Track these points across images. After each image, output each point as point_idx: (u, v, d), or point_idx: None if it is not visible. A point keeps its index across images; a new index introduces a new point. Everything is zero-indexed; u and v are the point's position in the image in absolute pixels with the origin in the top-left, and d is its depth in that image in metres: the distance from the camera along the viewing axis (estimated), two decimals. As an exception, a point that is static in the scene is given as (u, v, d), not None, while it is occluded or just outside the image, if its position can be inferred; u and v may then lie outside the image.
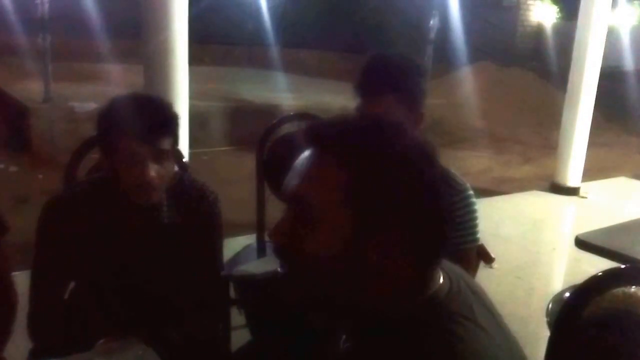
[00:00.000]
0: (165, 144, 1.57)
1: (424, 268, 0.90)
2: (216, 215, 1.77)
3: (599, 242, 2.45)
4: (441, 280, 0.92)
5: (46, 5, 6.72)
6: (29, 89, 6.85)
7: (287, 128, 2.77)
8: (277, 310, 1.55)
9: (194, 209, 1.72)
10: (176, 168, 1.95)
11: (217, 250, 1.81)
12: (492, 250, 1.98)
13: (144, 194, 1.59)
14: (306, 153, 0.90)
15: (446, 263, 0.96)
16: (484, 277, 1.74)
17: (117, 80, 6.47)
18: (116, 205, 1.63)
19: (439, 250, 0.90)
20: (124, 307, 1.65)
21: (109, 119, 1.56)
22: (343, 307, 0.91)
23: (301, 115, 3.04)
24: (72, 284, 1.78)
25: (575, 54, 5.49)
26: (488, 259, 1.91)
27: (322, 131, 0.91)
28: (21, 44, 7.42)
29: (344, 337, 0.99)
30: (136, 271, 1.66)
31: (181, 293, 1.68)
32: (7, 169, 5.58)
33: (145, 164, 1.54)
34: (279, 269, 0.93)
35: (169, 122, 1.59)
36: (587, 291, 1.24)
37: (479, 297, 0.95)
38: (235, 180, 5.08)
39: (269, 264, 1.69)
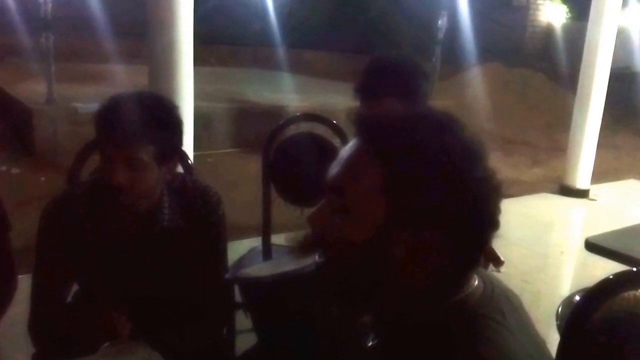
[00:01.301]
0: (142, 153, 1.52)
1: (459, 270, 0.89)
2: (219, 217, 1.76)
3: (609, 244, 2.45)
4: (475, 283, 0.92)
5: (49, 5, 6.73)
6: (32, 90, 6.87)
7: (293, 129, 2.78)
8: (284, 313, 1.56)
9: (197, 211, 1.72)
10: (180, 170, 1.95)
11: (221, 252, 1.80)
12: (501, 253, 1.98)
13: (126, 199, 1.57)
14: (350, 143, 0.91)
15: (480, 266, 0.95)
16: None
17: (121, 81, 6.49)
18: (116, 207, 1.62)
19: (477, 254, 0.90)
20: (128, 310, 1.65)
21: (97, 119, 1.55)
22: (372, 302, 0.91)
23: (307, 116, 3.05)
24: (75, 287, 1.79)
25: (585, 55, 5.48)
26: (497, 262, 1.92)
27: (365, 121, 0.92)
28: (24, 44, 7.45)
29: (370, 335, 0.99)
30: (139, 274, 1.66)
31: (185, 296, 1.68)
32: (9, 171, 5.60)
33: (115, 167, 1.52)
34: (309, 262, 0.94)
35: (153, 129, 1.54)
36: (597, 294, 1.24)
37: (513, 305, 0.94)
38: (240, 183, 5.08)
39: (274, 267, 1.69)
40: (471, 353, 0.83)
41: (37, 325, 1.69)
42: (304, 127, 2.81)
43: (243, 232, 3.40)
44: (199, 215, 1.72)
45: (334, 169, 0.90)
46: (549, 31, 11.71)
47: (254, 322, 1.70)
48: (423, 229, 0.84)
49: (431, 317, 0.88)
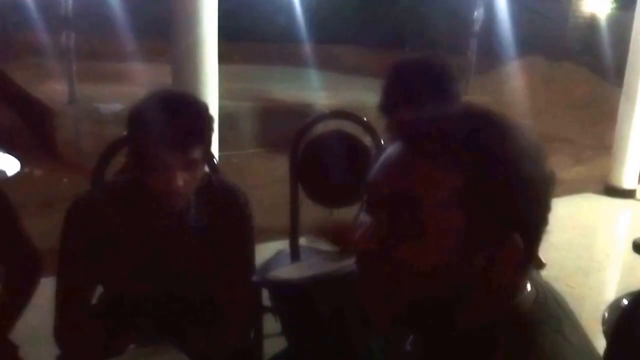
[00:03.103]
0: (196, 153, 1.56)
1: (515, 274, 0.88)
2: (247, 218, 1.78)
3: (657, 247, 2.42)
4: (528, 288, 0.91)
5: (70, 3, 6.86)
6: (53, 90, 7.00)
7: (321, 128, 2.80)
8: (316, 316, 1.57)
9: (224, 212, 1.74)
10: (206, 169, 1.99)
11: (249, 253, 1.83)
12: (542, 256, 1.97)
13: (169, 201, 1.61)
14: (399, 147, 0.87)
15: (532, 271, 0.93)
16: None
17: (144, 80, 6.57)
18: (143, 208, 1.66)
19: (533, 256, 0.88)
20: (154, 312, 1.69)
21: (139, 120, 1.56)
22: (425, 312, 0.89)
23: (336, 114, 3.06)
24: (100, 289, 1.83)
25: (632, 47, 5.41)
26: (539, 265, 1.91)
27: (429, 124, 0.88)
28: (44, 44, 7.58)
29: (409, 339, 1.00)
30: (166, 275, 1.69)
31: (212, 298, 1.71)
32: (32, 173, 5.71)
33: (173, 172, 1.54)
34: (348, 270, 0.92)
35: (203, 128, 1.57)
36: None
37: (565, 311, 0.93)
38: (266, 184, 5.12)
39: (304, 269, 1.71)
40: None
41: (62, 329, 1.72)
42: (333, 125, 2.83)
43: (269, 235, 3.42)
44: (226, 215, 1.74)
45: (390, 178, 0.87)
46: (592, 22, 11.56)
47: (283, 326, 1.72)
48: (504, 238, 0.83)
49: (483, 322, 0.87)
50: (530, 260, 0.89)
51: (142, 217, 1.67)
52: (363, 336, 1.49)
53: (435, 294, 0.86)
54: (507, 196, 0.82)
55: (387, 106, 1.75)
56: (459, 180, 0.82)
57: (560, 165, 6.95)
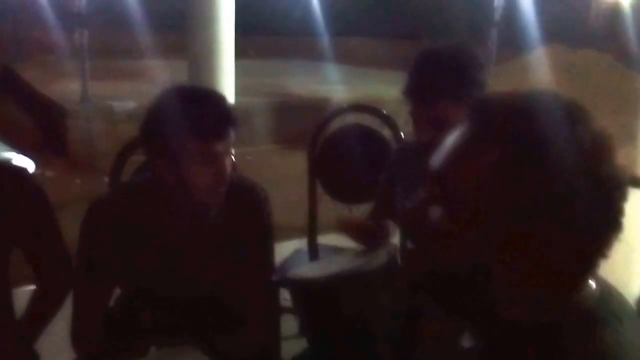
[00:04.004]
0: (233, 138, 1.61)
1: (576, 271, 0.88)
2: (267, 215, 1.79)
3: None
4: (591, 286, 0.91)
5: (83, 0, 6.89)
6: (66, 88, 7.04)
7: (339, 122, 2.79)
8: (340, 316, 1.57)
9: (244, 209, 1.75)
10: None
11: (268, 251, 1.83)
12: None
13: (217, 193, 1.63)
14: (463, 130, 0.89)
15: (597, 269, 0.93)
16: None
17: (158, 77, 6.60)
18: (162, 208, 1.66)
19: (597, 255, 0.88)
20: (174, 313, 1.69)
21: (166, 117, 1.56)
22: (479, 302, 0.91)
23: (355, 107, 3.05)
24: (118, 291, 1.83)
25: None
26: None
27: (483, 107, 0.91)
28: (56, 42, 7.63)
29: (464, 336, 0.99)
30: (185, 275, 1.69)
31: (233, 297, 1.71)
32: (44, 174, 5.75)
33: (222, 161, 1.58)
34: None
35: (234, 113, 1.61)
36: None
37: (626, 310, 0.93)
38: (282, 181, 5.12)
39: (325, 267, 1.71)
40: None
41: (81, 332, 1.73)
42: (352, 119, 2.82)
43: (286, 234, 3.43)
44: (246, 213, 1.75)
45: (441, 158, 0.89)
46: (616, 8, 11.41)
47: (304, 326, 1.72)
48: (545, 225, 0.82)
49: (544, 318, 0.88)
50: (592, 259, 0.87)
51: (162, 217, 1.67)
52: (387, 334, 1.49)
53: (491, 282, 0.87)
54: (551, 182, 0.81)
55: (413, 92, 1.77)
56: (503, 163, 0.82)
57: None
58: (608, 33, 11.06)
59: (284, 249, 2.77)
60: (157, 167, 1.62)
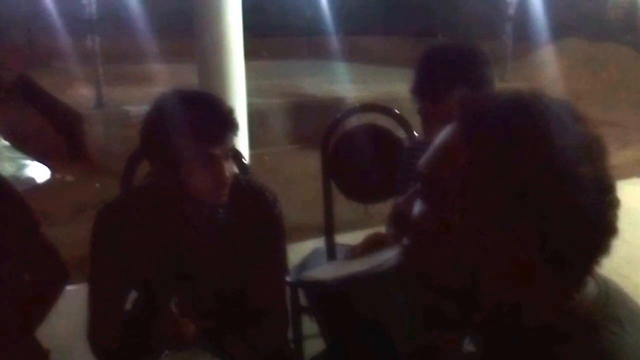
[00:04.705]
0: (232, 142, 1.63)
1: (567, 275, 0.87)
2: (276, 217, 1.81)
3: None
4: (589, 287, 0.90)
5: (94, 6, 6.94)
6: (80, 94, 7.10)
7: (354, 122, 2.80)
8: (354, 317, 1.57)
9: (252, 212, 1.77)
10: (235, 170, 2.01)
11: (280, 253, 1.85)
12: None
13: (217, 196, 1.65)
14: (450, 130, 0.90)
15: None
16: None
17: (172, 81, 6.63)
18: (172, 211, 1.69)
19: (589, 260, 0.87)
20: (188, 316, 1.71)
21: (164, 122, 1.58)
22: (472, 304, 0.90)
23: (368, 107, 3.05)
24: (134, 294, 1.86)
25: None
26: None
27: (467, 105, 0.90)
28: (70, 49, 7.70)
29: (465, 341, 0.99)
30: (196, 278, 1.72)
31: (245, 299, 1.73)
32: (64, 179, 5.81)
33: (221, 164, 1.59)
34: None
35: (232, 117, 1.63)
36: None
37: (630, 310, 0.92)
38: (300, 181, 5.14)
39: (341, 267, 1.71)
40: None
41: (97, 335, 1.76)
42: (367, 118, 2.83)
43: (305, 233, 3.44)
44: (254, 215, 1.77)
45: (445, 160, 0.89)
46: (634, 0, 11.31)
47: (321, 327, 1.72)
48: (521, 225, 0.82)
49: (539, 324, 0.87)
50: (584, 262, 0.87)
51: (171, 220, 1.70)
52: (404, 335, 1.49)
53: (487, 285, 0.87)
54: (531, 184, 0.81)
55: (420, 90, 1.80)
56: (505, 165, 0.81)
57: (605, 150, 6.83)
58: (627, 24, 10.95)
59: (305, 248, 2.79)
60: (158, 171, 1.65)
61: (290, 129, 7.10)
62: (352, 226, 3.17)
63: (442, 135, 0.90)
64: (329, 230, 2.69)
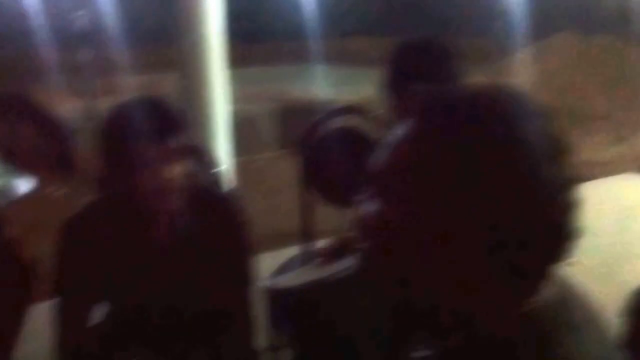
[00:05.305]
0: (175, 142, 1.60)
1: (519, 280, 0.83)
2: (240, 226, 1.80)
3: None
4: (545, 292, 0.86)
5: (85, 20, 6.97)
6: (73, 107, 7.11)
7: (335, 123, 2.77)
8: (319, 323, 1.56)
9: (214, 218, 1.76)
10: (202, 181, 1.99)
11: (245, 262, 1.82)
12: (581, 243, 1.90)
13: (167, 200, 1.63)
14: (404, 126, 0.86)
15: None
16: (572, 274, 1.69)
17: (162, 92, 6.63)
18: (132, 219, 1.69)
19: (544, 265, 0.84)
20: (157, 329, 1.70)
21: (112, 129, 1.62)
22: (425, 309, 0.89)
23: (346, 109, 3.03)
24: (105, 307, 1.84)
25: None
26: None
27: (420, 100, 0.88)
28: (61, 62, 7.72)
29: (420, 346, 0.97)
30: (161, 288, 1.71)
31: (211, 309, 1.71)
32: (56, 193, 5.80)
33: (166, 165, 1.58)
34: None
35: (175, 119, 1.64)
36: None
37: (589, 315, 0.90)
38: (287, 187, 5.11)
39: (304, 275, 1.70)
40: None
41: (65, 350, 1.74)
42: (349, 122, 2.80)
43: (293, 239, 3.42)
44: (218, 224, 1.76)
45: (398, 157, 0.85)
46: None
47: (285, 335, 1.71)
48: (471, 223, 0.79)
49: (492, 331, 0.84)
50: (537, 268, 0.84)
51: (130, 230, 1.69)
52: (367, 340, 1.47)
53: (439, 290, 0.84)
54: (505, 188, 0.78)
55: (388, 86, 1.86)
56: (460, 160, 0.78)
57: (599, 145, 6.82)
58: (620, 16, 10.93)
59: (287, 255, 2.75)
60: (111, 179, 1.66)
61: (280, 135, 7.11)
62: (334, 233, 3.14)
63: (396, 131, 0.86)
64: (305, 235, 2.66)
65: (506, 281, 0.82)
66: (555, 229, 0.82)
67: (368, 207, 0.87)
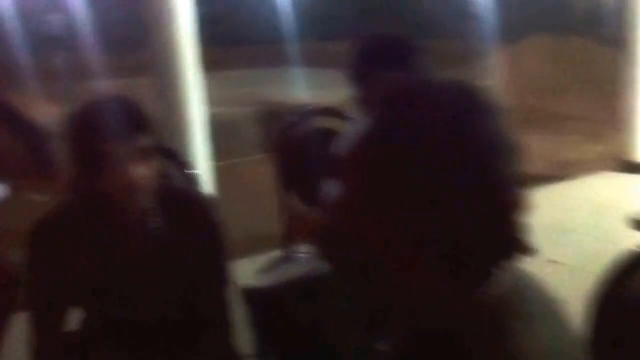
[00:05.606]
0: (142, 142, 1.60)
1: (465, 273, 0.84)
2: (212, 227, 1.79)
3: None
4: (496, 284, 0.87)
5: (61, 24, 6.90)
6: (49, 111, 7.04)
7: (313, 125, 2.78)
8: (292, 324, 1.56)
9: (185, 218, 1.75)
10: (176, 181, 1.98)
11: (217, 263, 1.81)
12: (558, 243, 1.92)
13: (131, 199, 1.62)
14: (366, 118, 0.88)
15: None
16: (550, 273, 1.69)
17: (139, 96, 6.59)
18: (100, 220, 1.67)
19: (488, 259, 0.85)
20: (131, 331, 1.68)
21: (77, 129, 1.62)
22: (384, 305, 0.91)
23: (322, 110, 3.04)
24: (80, 313, 1.82)
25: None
26: (523, 251, 1.88)
27: (384, 87, 0.91)
28: (36, 66, 7.65)
29: (381, 337, 0.98)
30: (135, 290, 1.69)
31: (187, 311, 1.70)
32: (36, 200, 5.73)
33: (130, 163, 1.57)
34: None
35: (141, 118, 1.63)
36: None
37: (542, 302, 0.90)
38: (271, 191, 5.09)
39: (276, 276, 1.70)
40: None
41: (42, 358, 1.72)
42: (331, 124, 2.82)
43: (274, 244, 3.41)
44: (188, 223, 1.75)
45: (362, 147, 0.86)
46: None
47: (261, 336, 1.71)
48: (418, 214, 0.80)
49: (446, 320, 0.86)
50: (488, 261, 0.85)
51: (100, 231, 1.67)
52: (341, 340, 1.47)
53: (389, 282, 0.85)
54: (454, 182, 0.79)
55: (351, 75, 1.95)
56: (423, 151, 0.80)
57: (575, 145, 6.87)
58: (594, 17, 11.04)
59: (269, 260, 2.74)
60: (78, 180, 1.66)
61: (262, 139, 7.09)
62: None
63: (358, 120, 0.88)
64: (286, 238, 2.66)
65: (455, 273, 0.83)
66: (504, 224, 0.83)
67: (330, 190, 0.89)
